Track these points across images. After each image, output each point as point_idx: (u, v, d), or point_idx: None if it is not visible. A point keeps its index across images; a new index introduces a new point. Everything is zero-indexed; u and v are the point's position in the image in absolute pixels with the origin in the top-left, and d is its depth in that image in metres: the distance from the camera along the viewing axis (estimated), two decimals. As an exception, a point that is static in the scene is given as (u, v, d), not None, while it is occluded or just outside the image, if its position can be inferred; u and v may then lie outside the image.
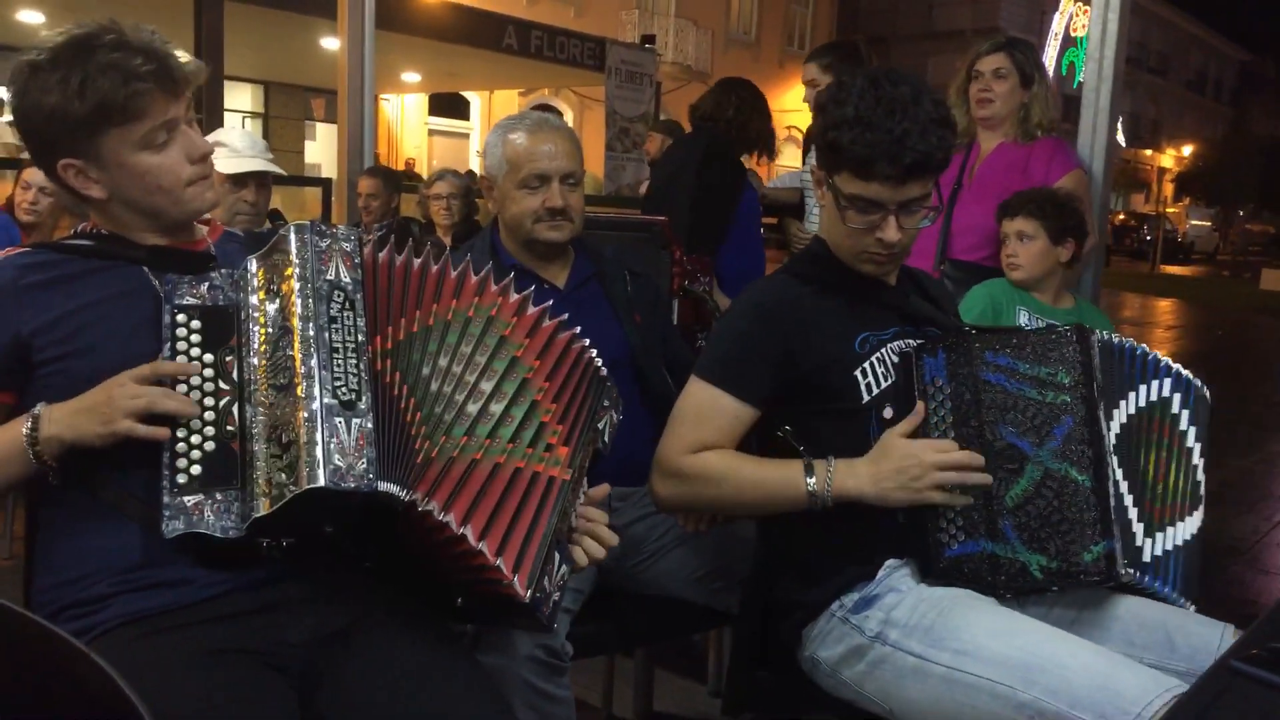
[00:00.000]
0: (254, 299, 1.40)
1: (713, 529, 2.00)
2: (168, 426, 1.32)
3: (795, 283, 1.70)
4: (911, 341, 1.67)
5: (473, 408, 1.41)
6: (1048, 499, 1.55)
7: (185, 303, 1.40)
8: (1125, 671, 1.38)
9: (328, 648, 1.42)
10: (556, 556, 1.41)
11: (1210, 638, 1.52)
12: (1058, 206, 2.64)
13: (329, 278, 1.38)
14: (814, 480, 1.58)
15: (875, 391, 1.64)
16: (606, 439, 1.57)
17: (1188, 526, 1.66)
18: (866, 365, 1.64)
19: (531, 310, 1.54)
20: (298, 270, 1.37)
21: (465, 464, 1.37)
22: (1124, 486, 1.60)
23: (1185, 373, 1.71)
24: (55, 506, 1.43)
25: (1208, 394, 1.73)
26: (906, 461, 1.55)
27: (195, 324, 1.39)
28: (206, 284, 1.42)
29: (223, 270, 1.44)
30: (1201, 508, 1.69)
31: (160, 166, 1.45)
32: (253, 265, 1.43)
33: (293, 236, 1.40)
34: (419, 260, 1.51)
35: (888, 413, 1.64)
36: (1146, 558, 1.60)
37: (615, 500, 2.03)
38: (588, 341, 1.57)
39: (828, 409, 1.64)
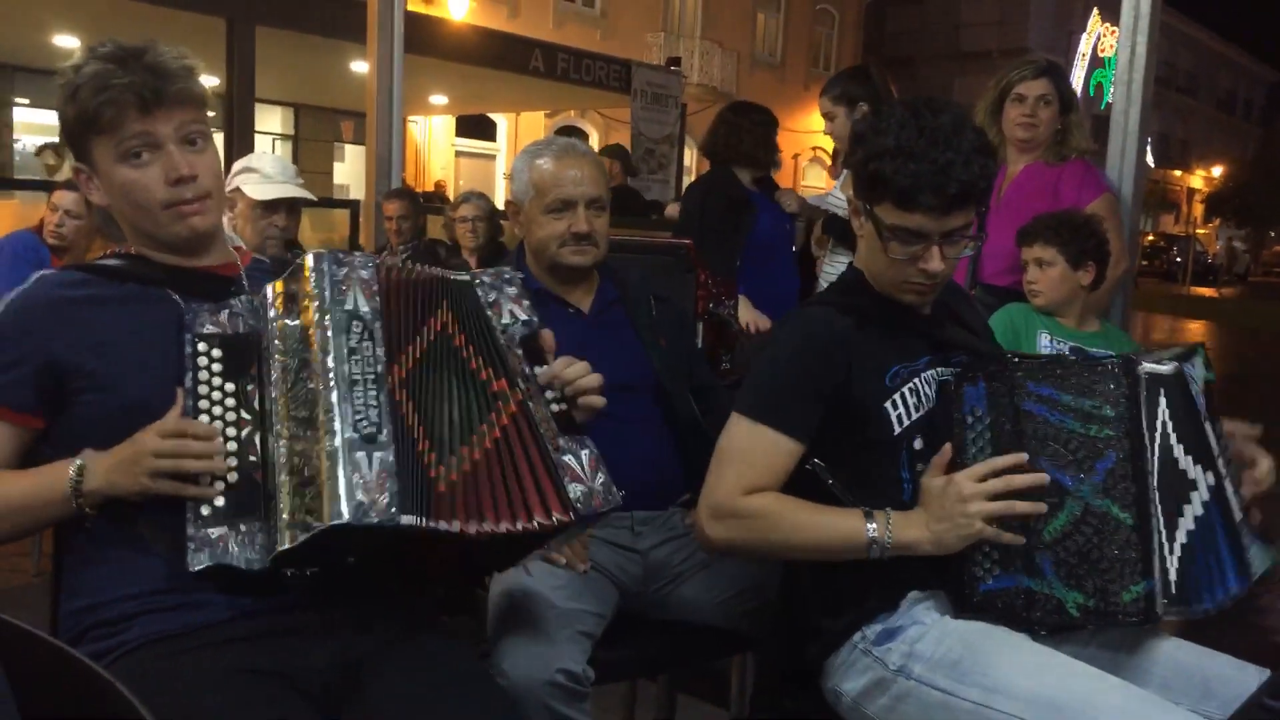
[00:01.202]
0: (273, 328, 1.40)
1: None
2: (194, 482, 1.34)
3: (832, 313, 1.67)
4: (948, 370, 1.64)
5: (458, 416, 1.43)
6: (1087, 535, 1.51)
7: (206, 331, 1.41)
8: (1155, 710, 1.35)
9: (350, 672, 1.42)
10: (568, 459, 1.47)
11: (1248, 684, 1.48)
12: (1075, 230, 2.62)
13: (348, 308, 1.38)
14: (874, 529, 1.53)
15: (906, 423, 1.62)
16: (525, 315, 1.56)
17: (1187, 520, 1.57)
18: (897, 397, 1.62)
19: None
20: (316, 301, 1.37)
21: (470, 471, 1.39)
22: (1163, 522, 1.55)
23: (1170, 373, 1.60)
24: (81, 533, 1.44)
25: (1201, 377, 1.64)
26: (948, 500, 1.51)
27: (216, 353, 1.40)
28: (227, 311, 1.42)
29: (243, 297, 1.44)
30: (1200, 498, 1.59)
31: (136, 183, 1.45)
32: (270, 293, 1.43)
33: (310, 265, 1.39)
34: (417, 274, 1.50)
35: (918, 443, 1.62)
36: (1174, 590, 1.54)
37: (639, 525, 2.03)
38: (435, 270, 1.54)
39: (860, 441, 1.62)
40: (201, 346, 1.40)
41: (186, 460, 1.32)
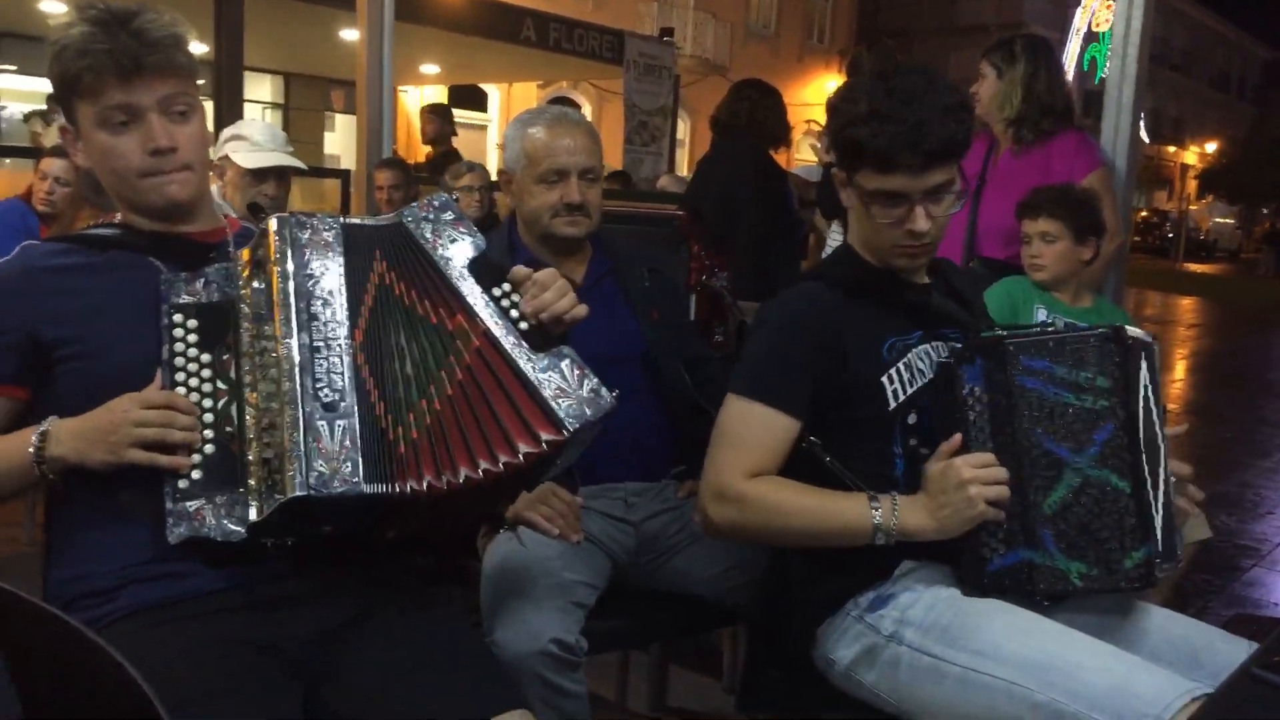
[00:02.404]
0: (241, 295, 1.38)
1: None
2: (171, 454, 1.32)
3: (827, 290, 1.67)
4: (943, 348, 1.65)
5: (411, 370, 1.37)
6: (1087, 506, 1.52)
7: (181, 301, 1.39)
8: (1143, 674, 1.36)
9: (334, 640, 1.42)
10: (549, 375, 1.38)
11: (1236, 655, 1.48)
12: (1078, 204, 2.61)
13: (309, 272, 1.35)
14: (880, 515, 1.53)
15: (902, 398, 1.62)
16: (468, 235, 1.45)
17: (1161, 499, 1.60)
18: (893, 371, 1.62)
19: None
20: (278, 267, 1.34)
21: (433, 424, 1.34)
22: (1151, 481, 1.57)
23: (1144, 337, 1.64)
24: (68, 504, 1.44)
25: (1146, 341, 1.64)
26: (949, 485, 1.51)
27: (192, 323, 1.38)
28: (202, 280, 1.40)
29: (218, 265, 1.42)
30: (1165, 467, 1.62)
31: (113, 150, 1.44)
32: (240, 259, 1.40)
33: (274, 229, 1.36)
34: (366, 227, 1.45)
35: (911, 418, 1.62)
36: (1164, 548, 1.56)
37: (632, 496, 2.04)
38: (361, 220, 1.48)
39: (856, 416, 1.62)
40: (177, 317, 1.38)
41: (172, 432, 1.31)
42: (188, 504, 1.31)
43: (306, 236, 1.36)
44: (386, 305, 1.39)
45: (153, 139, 1.42)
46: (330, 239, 1.37)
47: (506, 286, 1.45)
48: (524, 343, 1.40)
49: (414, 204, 1.49)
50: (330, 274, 1.36)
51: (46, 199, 3.87)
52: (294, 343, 1.31)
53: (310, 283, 1.34)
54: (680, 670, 2.63)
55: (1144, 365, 1.58)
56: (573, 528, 1.87)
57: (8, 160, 6.51)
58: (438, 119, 6.86)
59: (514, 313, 1.43)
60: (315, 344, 1.32)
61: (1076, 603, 1.61)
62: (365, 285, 1.39)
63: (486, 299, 1.42)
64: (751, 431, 1.60)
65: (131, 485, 1.37)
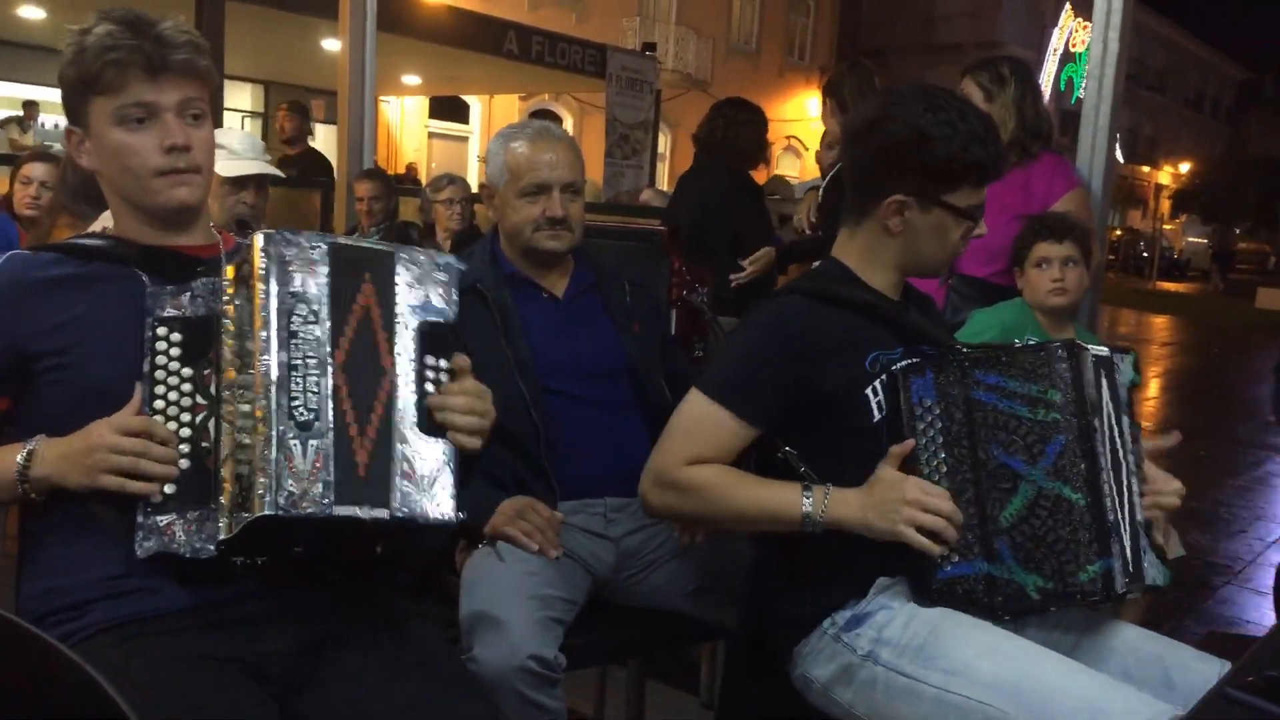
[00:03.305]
0: (224, 310, 1.37)
1: (708, 541, 2.00)
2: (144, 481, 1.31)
3: (807, 302, 1.68)
4: (900, 363, 1.67)
5: (368, 394, 1.35)
6: (1042, 518, 1.53)
7: (165, 314, 1.38)
8: (1115, 695, 1.37)
9: (308, 657, 1.41)
10: (410, 453, 1.34)
11: (1210, 675, 1.50)
12: (1088, 233, 2.63)
13: (293, 289, 1.34)
14: (810, 504, 1.56)
15: (885, 410, 1.63)
16: (441, 304, 1.44)
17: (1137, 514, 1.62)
18: (877, 384, 1.63)
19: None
20: (262, 282, 1.33)
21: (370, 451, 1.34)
22: (1121, 499, 1.58)
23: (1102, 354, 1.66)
24: (42, 516, 1.42)
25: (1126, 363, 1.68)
26: (891, 493, 1.54)
27: (175, 336, 1.38)
28: (188, 294, 1.40)
29: (204, 279, 1.41)
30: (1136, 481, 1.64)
31: (129, 146, 1.43)
32: (227, 275, 1.39)
33: (259, 245, 1.35)
34: (361, 247, 1.46)
35: (887, 438, 1.63)
36: (1132, 569, 1.58)
37: (611, 511, 2.03)
38: (351, 240, 1.50)
39: (839, 428, 1.63)
40: (161, 330, 1.38)
41: (144, 462, 1.31)
42: (159, 518, 1.31)
43: (293, 254, 1.35)
44: (368, 328, 1.38)
45: (170, 135, 1.43)
46: (317, 257, 1.36)
47: (444, 364, 1.43)
48: (415, 413, 1.38)
49: (428, 252, 1.48)
50: (314, 293, 1.35)
51: (33, 203, 3.84)
52: (272, 360, 1.30)
53: (293, 300, 1.33)
54: (658, 686, 2.63)
55: (1104, 381, 1.59)
56: (551, 543, 1.87)
57: (-17, 166, 6.43)
58: (297, 116, 6.71)
59: (429, 386, 1.41)
60: (294, 362, 1.31)
61: (1048, 620, 1.62)
62: (352, 307, 1.38)
63: (415, 362, 1.40)
64: (704, 429, 1.63)
65: (104, 499, 1.35)
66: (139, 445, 1.31)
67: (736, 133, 3.93)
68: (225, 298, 1.38)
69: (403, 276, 1.43)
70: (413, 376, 1.40)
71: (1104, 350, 1.64)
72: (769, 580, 1.71)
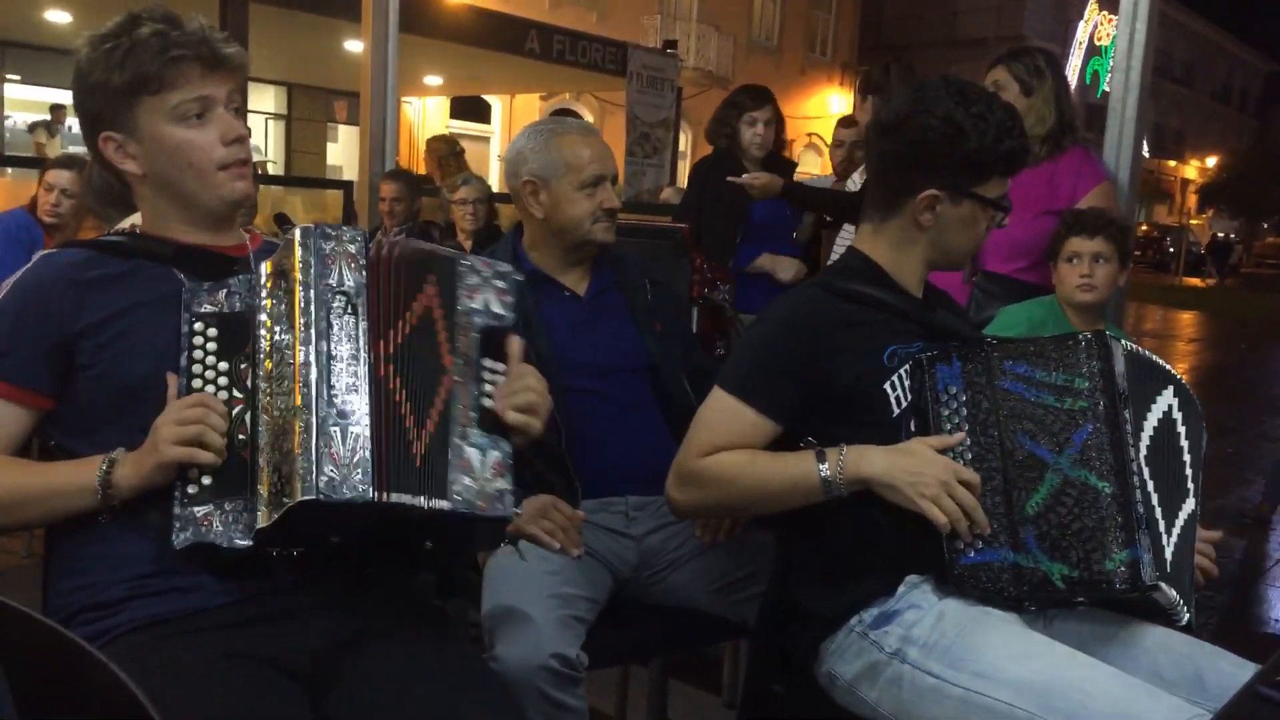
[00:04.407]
0: (263, 304, 1.40)
1: (730, 539, 1.99)
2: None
3: (826, 296, 1.68)
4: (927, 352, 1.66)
5: (420, 389, 1.39)
6: (1068, 506, 1.52)
7: (203, 310, 1.41)
8: (1146, 699, 1.35)
9: (339, 653, 1.42)
10: (469, 450, 1.39)
11: (1240, 675, 1.48)
12: (1125, 230, 2.61)
13: (331, 281, 1.37)
14: (826, 467, 1.56)
15: (905, 405, 1.63)
16: (500, 309, 1.50)
17: (1181, 527, 1.62)
18: (895, 378, 1.63)
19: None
20: (301, 275, 1.36)
21: (427, 442, 1.36)
22: (1155, 498, 1.58)
23: (1181, 380, 1.70)
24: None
25: (1197, 403, 1.71)
26: (926, 467, 1.53)
27: (212, 331, 1.40)
28: (224, 290, 1.42)
29: (240, 276, 1.44)
30: (1196, 507, 1.66)
31: (191, 142, 1.45)
32: (264, 270, 1.42)
33: (298, 240, 1.38)
34: (422, 248, 1.49)
35: (914, 425, 1.63)
36: (1169, 569, 1.58)
37: (633, 510, 2.03)
38: (424, 244, 1.53)
39: (858, 422, 1.62)
40: (198, 326, 1.40)
41: (209, 431, 1.32)
42: (196, 509, 1.32)
43: (330, 247, 1.38)
44: (428, 326, 1.42)
45: (232, 128, 1.46)
46: (354, 250, 1.39)
47: (500, 366, 1.48)
48: (474, 414, 1.42)
49: (486, 259, 1.54)
50: (351, 285, 1.38)
51: (53, 210, 3.88)
52: (311, 349, 1.32)
53: (331, 292, 1.36)
54: (681, 685, 2.62)
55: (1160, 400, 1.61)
56: (573, 542, 1.87)
57: (10, 170, 6.51)
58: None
59: (486, 386, 1.45)
60: (334, 352, 1.33)
61: (1077, 617, 1.61)
62: (410, 301, 1.42)
63: (474, 364, 1.46)
64: (723, 423, 1.63)
65: (139, 497, 1.36)
66: (200, 413, 1.32)
67: (730, 115, 3.89)
68: (264, 291, 1.40)
69: (465, 281, 1.48)
70: (473, 375, 1.45)
71: (1135, 346, 1.65)
72: (794, 577, 1.70)
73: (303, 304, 1.34)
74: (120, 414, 1.38)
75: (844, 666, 1.60)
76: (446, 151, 6.18)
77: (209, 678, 1.30)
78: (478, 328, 1.47)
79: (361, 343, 1.35)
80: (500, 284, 1.52)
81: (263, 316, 1.39)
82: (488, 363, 1.47)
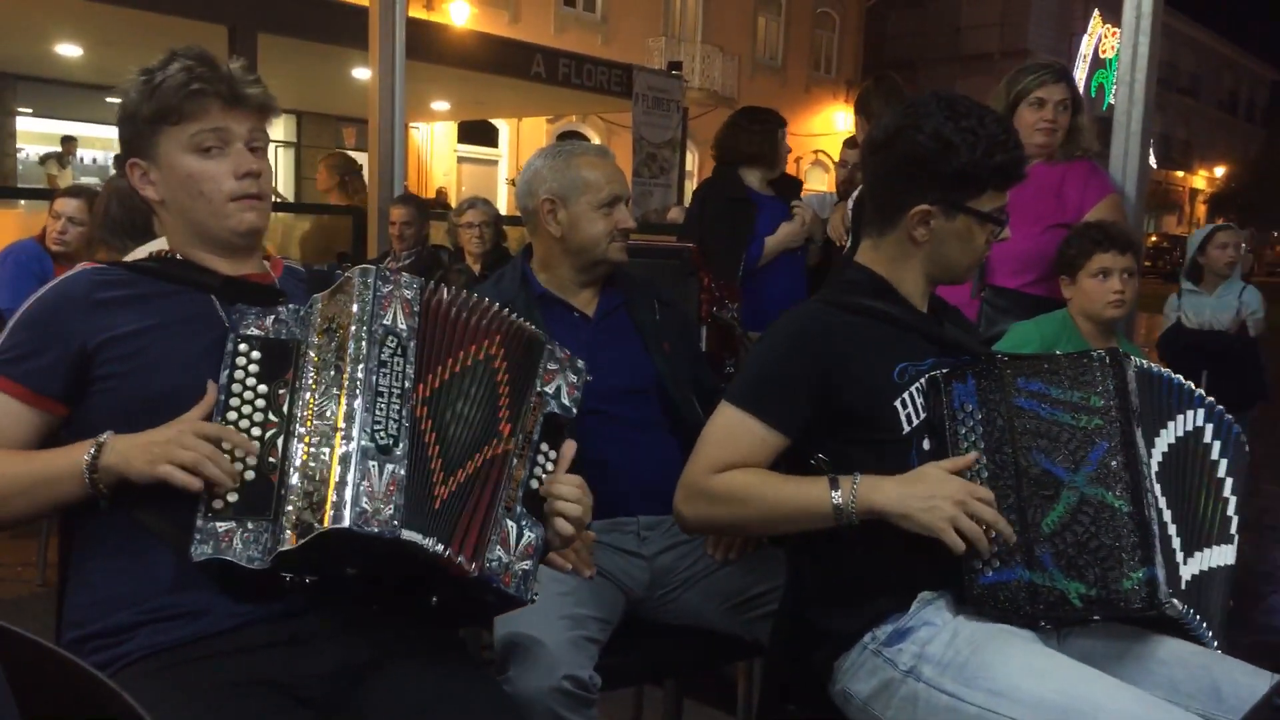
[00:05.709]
0: (314, 337, 1.43)
1: (743, 557, 1.98)
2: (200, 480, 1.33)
3: (833, 311, 1.68)
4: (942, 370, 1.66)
5: (462, 436, 1.43)
6: (1085, 525, 1.51)
7: (250, 333, 1.44)
8: (1164, 716, 1.34)
9: (351, 679, 1.42)
10: (510, 525, 1.43)
11: (1258, 687, 1.47)
12: (1141, 245, 2.61)
13: (385, 323, 1.41)
14: (839, 494, 1.55)
15: (915, 422, 1.62)
16: (566, 401, 1.55)
17: (1213, 557, 1.62)
18: (906, 396, 1.62)
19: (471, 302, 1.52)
20: (357, 313, 1.40)
21: (454, 489, 1.39)
22: (1169, 515, 1.57)
23: (1219, 406, 1.68)
24: (92, 523, 1.44)
25: (1242, 434, 1.71)
26: (939, 489, 1.52)
27: (255, 354, 1.43)
28: (273, 318, 1.46)
29: (290, 306, 1.48)
30: (1233, 545, 1.65)
31: (203, 172, 1.50)
32: (318, 304, 1.46)
33: (357, 279, 1.43)
34: (471, 302, 1.51)
35: (927, 444, 1.62)
36: (1184, 587, 1.57)
37: (644, 530, 2.03)
38: (509, 312, 1.55)
39: (868, 439, 1.62)
40: (243, 347, 1.43)
41: (208, 464, 1.32)
42: (219, 524, 1.33)
43: (388, 290, 1.43)
44: (482, 375, 1.47)
45: (243, 162, 1.50)
46: (410, 296, 1.44)
47: (554, 455, 1.53)
48: (519, 490, 1.47)
49: (558, 347, 1.57)
50: (405, 327, 1.42)
51: (59, 238, 3.90)
52: (360, 384, 1.35)
53: (384, 332, 1.40)
54: (695, 705, 2.61)
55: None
56: (585, 562, 1.86)
57: (22, 202, 6.57)
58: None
59: (537, 470, 1.51)
60: (379, 387, 1.36)
61: (1093, 631, 1.60)
62: (458, 351, 1.46)
63: (534, 442, 1.51)
64: (732, 437, 1.63)
65: (162, 506, 1.37)
66: (209, 449, 1.33)
67: (735, 135, 3.92)
68: (318, 322, 1.44)
69: (546, 364, 1.55)
70: (529, 455, 1.50)
71: (1154, 367, 1.66)
72: (808, 595, 1.69)
73: (354, 341, 1.38)
74: (138, 426, 1.38)
75: (858, 685, 1.59)
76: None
77: (219, 705, 1.31)
78: (545, 410, 1.53)
79: (408, 384, 1.39)
80: (573, 378, 1.57)
81: (312, 349, 1.42)
82: (544, 447, 1.52)
